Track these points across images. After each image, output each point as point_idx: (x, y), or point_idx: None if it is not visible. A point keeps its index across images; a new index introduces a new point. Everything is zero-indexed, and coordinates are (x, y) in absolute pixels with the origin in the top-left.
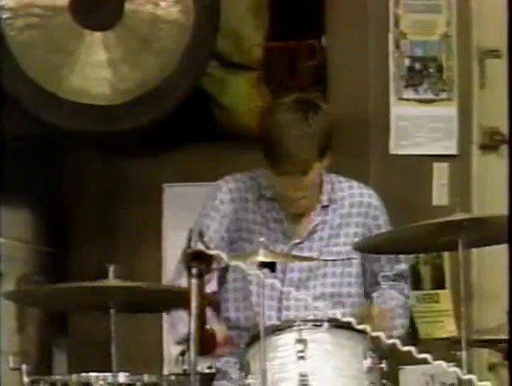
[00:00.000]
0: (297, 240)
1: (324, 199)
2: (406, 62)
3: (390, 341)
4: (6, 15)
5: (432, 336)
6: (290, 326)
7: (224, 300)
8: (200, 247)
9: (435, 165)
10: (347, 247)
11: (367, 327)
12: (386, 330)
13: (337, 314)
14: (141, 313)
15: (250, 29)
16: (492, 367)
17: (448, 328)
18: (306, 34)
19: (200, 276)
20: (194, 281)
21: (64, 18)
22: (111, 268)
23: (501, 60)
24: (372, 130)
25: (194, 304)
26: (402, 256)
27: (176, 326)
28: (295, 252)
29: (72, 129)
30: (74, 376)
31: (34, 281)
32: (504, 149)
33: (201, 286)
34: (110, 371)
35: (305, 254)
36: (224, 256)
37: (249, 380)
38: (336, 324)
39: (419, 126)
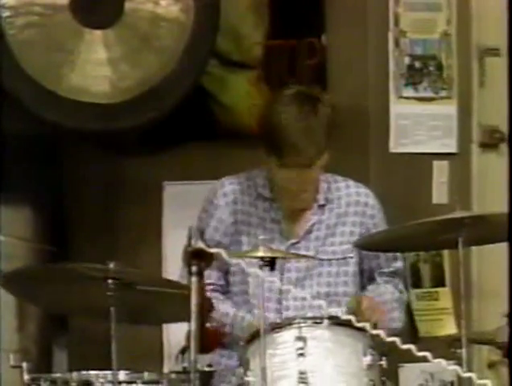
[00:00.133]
0: (294, 240)
1: (321, 198)
2: (406, 60)
3: (390, 339)
4: (6, 14)
5: (432, 334)
6: (290, 324)
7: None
8: (201, 245)
9: (435, 163)
10: (343, 246)
11: (367, 325)
12: (379, 322)
13: (337, 311)
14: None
15: (250, 27)
16: (492, 365)
17: (447, 326)
18: (306, 32)
19: (200, 274)
20: (194, 279)
21: (64, 16)
22: (111, 266)
23: (500, 59)
24: (372, 128)
25: (194, 302)
26: (398, 254)
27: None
28: (292, 252)
29: (72, 128)
30: (74, 374)
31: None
32: (504, 147)
33: (202, 285)
34: (110, 369)
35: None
36: (224, 254)
37: (249, 378)
38: (336, 321)
39: (419, 124)
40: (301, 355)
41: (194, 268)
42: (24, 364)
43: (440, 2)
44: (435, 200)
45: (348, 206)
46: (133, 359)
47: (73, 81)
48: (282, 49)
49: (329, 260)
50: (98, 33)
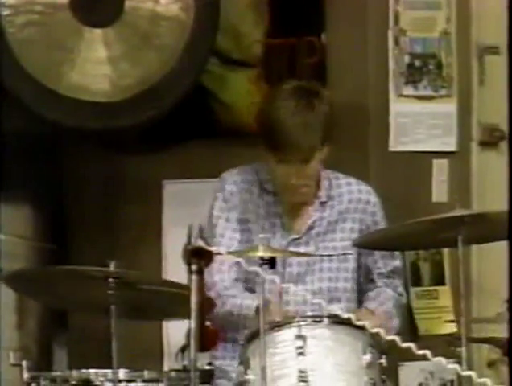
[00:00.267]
0: (295, 236)
1: (323, 195)
2: (406, 59)
3: (390, 337)
4: (6, 12)
5: (432, 332)
6: (289, 322)
7: None
8: (200, 243)
9: (435, 161)
10: (343, 242)
11: (366, 323)
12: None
13: (336, 309)
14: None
15: (250, 26)
16: (491, 364)
17: (447, 324)
18: (306, 31)
19: (200, 272)
20: (194, 277)
21: (65, 15)
22: (111, 264)
23: (500, 57)
24: (372, 127)
25: (194, 300)
26: (396, 252)
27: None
28: (293, 248)
29: (72, 126)
30: (74, 372)
31: None
32: (503, 145)
33: (202, 283)
34: (110, 368)
35: (302, 249)
36: (224, 252)
37: (249, 376)
38: (336, 320)
39: (419, 123)
40: (301, 353)
41: (194, 267)
42: (24, 362)
43: (440, 0)
44: (434, 199)
45: (350, 203)
46: (133, 358)
47: (73, 80)
48: (282, 47)
49: (329, 256)
50: (98, 31)
